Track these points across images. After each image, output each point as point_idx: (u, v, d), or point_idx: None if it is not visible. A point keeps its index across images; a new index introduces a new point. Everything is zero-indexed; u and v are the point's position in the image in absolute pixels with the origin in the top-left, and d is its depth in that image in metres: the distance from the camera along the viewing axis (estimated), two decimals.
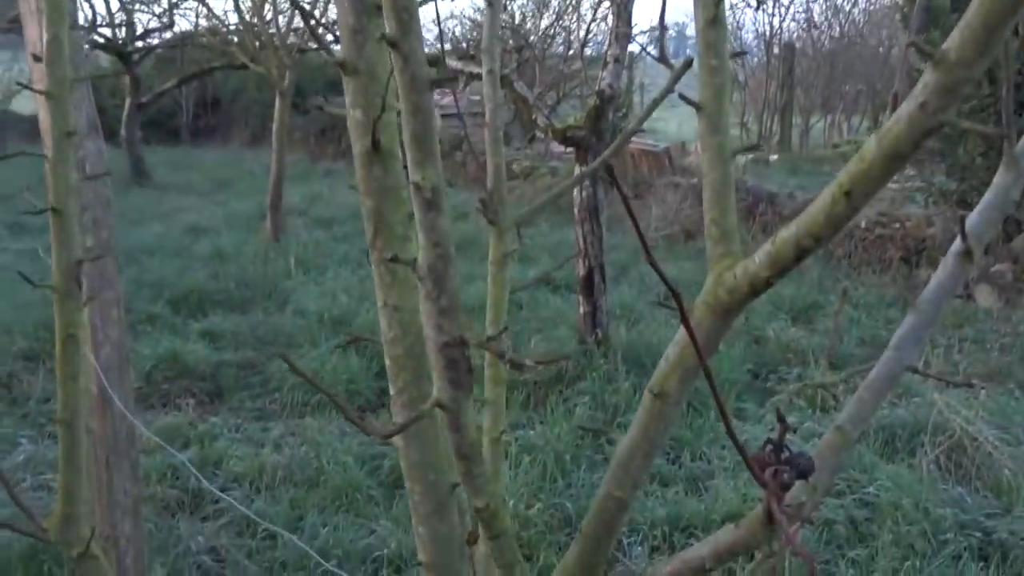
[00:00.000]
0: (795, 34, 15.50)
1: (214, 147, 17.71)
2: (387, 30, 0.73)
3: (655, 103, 1.52)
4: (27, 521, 1.53)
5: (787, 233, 0.79)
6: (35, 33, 2.45)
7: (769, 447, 0.80)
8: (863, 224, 8.19)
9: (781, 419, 0.78)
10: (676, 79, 1.49)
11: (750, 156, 12.42)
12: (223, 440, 4.44)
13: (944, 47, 0.65)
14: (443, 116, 13.10)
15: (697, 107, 0.93)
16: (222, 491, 3.99)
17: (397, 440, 1.00)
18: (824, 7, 15.31)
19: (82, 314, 1.43)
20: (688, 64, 1.47)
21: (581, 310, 5.55)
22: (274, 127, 9.18)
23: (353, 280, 7.27)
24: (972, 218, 0.90)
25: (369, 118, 0.89)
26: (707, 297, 0.90)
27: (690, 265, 7.76)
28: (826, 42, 15.78)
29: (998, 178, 0.90)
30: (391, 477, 4.07)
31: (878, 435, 4.42)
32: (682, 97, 0.97)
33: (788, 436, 0.82)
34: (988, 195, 0.90)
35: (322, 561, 2.99)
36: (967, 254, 0.89)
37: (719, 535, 0.94)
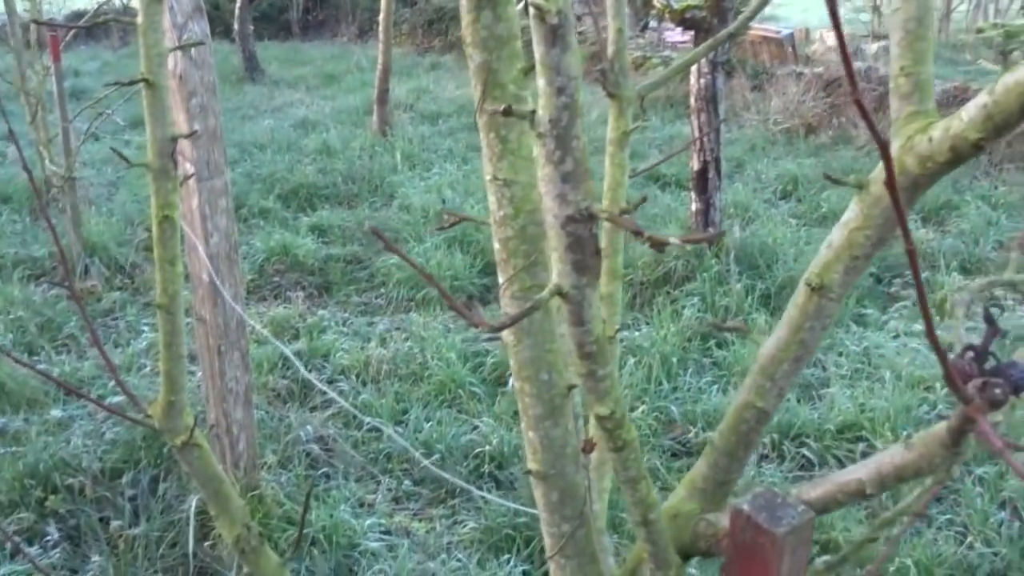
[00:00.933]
0: None
1: (323, 41, 17.73)
2: None
3: None
4: (134, 408, 1.52)
5: (1013, 78, 0.60)
6: None
7: (970, 354, 0.64)
8: None
9: (990, 319, 0.61)
10: None
11: (881, 43, 11.47)
12: (331, 333, 4.51)
13: None
14: None
15: None
16: (329, 383, 4.07)
17: (506, 335, 0.88)
18: None
19: (177, 194, 1.37)
20: None
21: (693, 207, 5.30)
22: (381, 18, 9.02)
23: (458, 175, 7.19)
24: None
25: None
26: None
27: (811, 162, 7.29)
28: None
29: None
30: (493, 375, 4.06)
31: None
32: None
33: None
34: None
35: (421, 458, 3.00)
36: None
37: (883, 457, 0.79)
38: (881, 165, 0.77)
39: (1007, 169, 7.12)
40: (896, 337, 4.40)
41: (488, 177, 0.83)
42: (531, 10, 0.59)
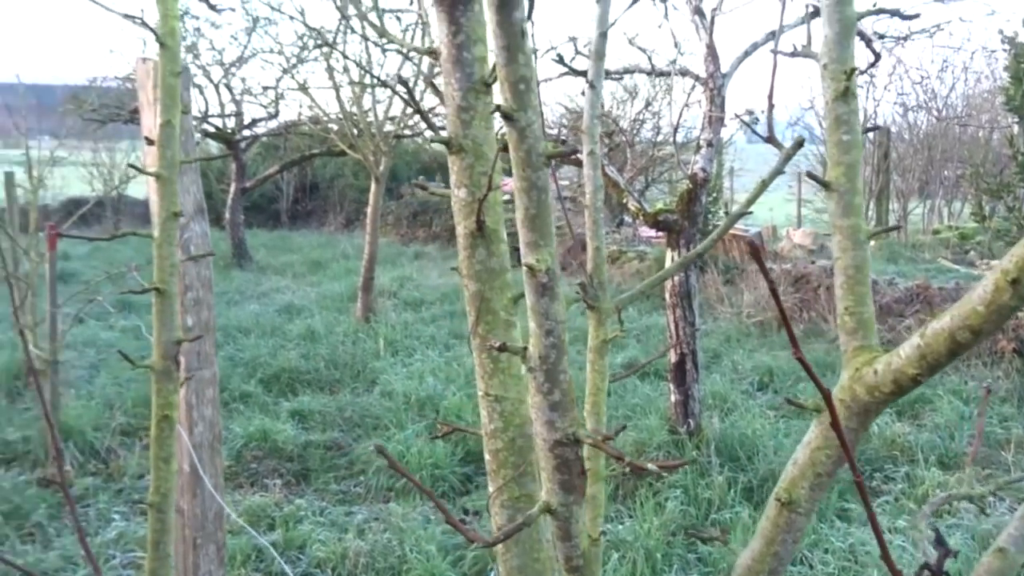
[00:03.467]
0: (890, 118, 15.23)
1: (311, 230, 18.39)
2: (501, 102, 0.69)
3: (764, 184, 1.45)
4: None
5: (939, 325, 0.70)
6: (151, 120, 2.57)
7: (927, 573, 0.69)
8: None
9: (941, 542, 0.67)
10: (786, 159, 1.43)
11: None
12: (307, 523, 4.41)
13: None
14: None
15: (826, 186, 0.86)
16: None
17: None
18: (921, 91, 15.01)
19: (178, 395, 1.43)
20: (799, 144, 1.41)
21: (672, 398, 5.38)
22: (369, 210, 9.45)
23: (440, 362, 7.28)
24: None
25: (474, 198, 0.86)
26: (842, 395, 0.81)
27: (785, 355, 7.47)
28: (923, 126, 15.42)
29: None
30: (474, 568, 3.95)
31: None
32: (810, 176, 0.90)
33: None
34: None
35: None
36: None
37: None
38: (839, 386, 0.86)
39: (975, 364, 7.33)
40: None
41: (480, 393, 0.90)
42: (523, 266, 0.69)
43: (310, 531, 4.27)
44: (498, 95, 0.70)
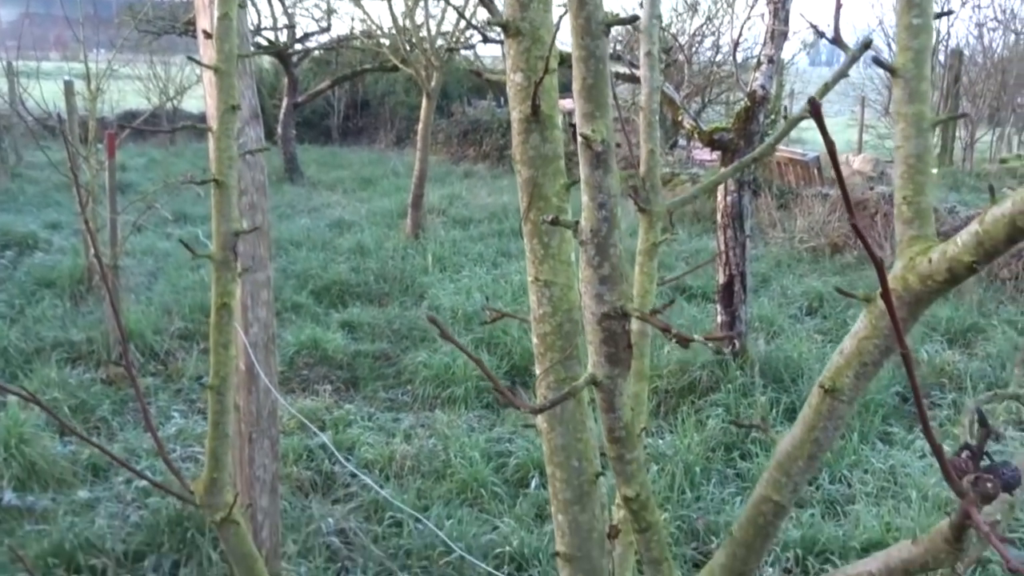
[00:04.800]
0: (964, 40, 14.49)
1: (361, 147, 18.42)
2: None
3: (827, 86, 1.42)
4: (177, 485, 1.59)
5: (1000, 211, 0.69)
6: (206, 22, 2.58)
7: (966, 453, 0.70)
8: None
9: (983, 421, 0.68)
10: (852, 60, 1.39)
11: None
12: (356, 427, 4.56)
13: None
14: None
15: (892, 71, 0.83)
16: (352, 476, 4.09)
17: (541, 422, 0.95)
18: (997, 11, 14.21)
19: (236, 285, 1.48)
20: (867, 45, 1.36)
21: (719, 319, 5.37)
22: (419, 127, 9.42)
23: (487, 279, 7.35)
24: None
25: (530, 82, 0.85)
26: (894, 284, 0.80)
27: (837, 280, 7.37)
28: (999, 48, 14.65)
29: None
30: (516, 475, 4.07)
31: None
32: (876, 61, 0.88)
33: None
34: None
35: (453, 546, 3.00)
36: None
37: (891, 551, 0.84)
38: (891, 276, 0.86)
39: None
40: (923, 457, 4.36)
41: (530, 278, 0.92)
42: (579, 137, 0.69)
43: (359, 434, 4.43)
44: None
